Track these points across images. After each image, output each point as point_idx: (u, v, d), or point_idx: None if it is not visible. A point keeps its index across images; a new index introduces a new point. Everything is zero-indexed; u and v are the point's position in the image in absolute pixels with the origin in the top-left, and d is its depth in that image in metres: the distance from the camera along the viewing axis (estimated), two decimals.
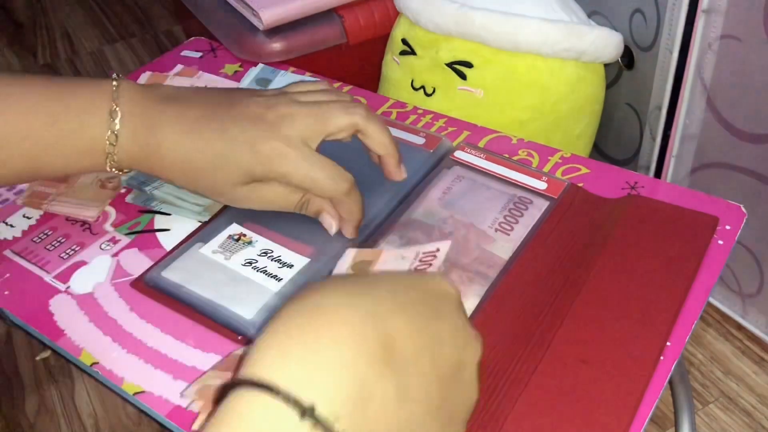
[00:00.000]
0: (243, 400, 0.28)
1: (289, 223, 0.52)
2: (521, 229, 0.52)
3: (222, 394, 0.29)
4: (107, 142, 0.48)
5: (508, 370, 0.42)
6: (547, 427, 0.39)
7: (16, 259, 0.54)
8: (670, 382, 0.69)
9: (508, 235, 0.51)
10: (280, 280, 0.48)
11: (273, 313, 0.45)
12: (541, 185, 0.55)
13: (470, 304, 0.47)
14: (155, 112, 0.49)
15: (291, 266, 0.49)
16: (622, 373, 0.41)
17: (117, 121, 0.48)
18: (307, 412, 0.27)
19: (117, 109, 0.48)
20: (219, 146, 0.48)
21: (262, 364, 0.29)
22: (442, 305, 0.34)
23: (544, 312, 0.45)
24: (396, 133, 0.61)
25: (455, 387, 0.33)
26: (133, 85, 0.50)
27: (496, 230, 0.52)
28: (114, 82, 0.49)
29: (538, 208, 0.53)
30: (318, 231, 0.52)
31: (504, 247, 0.51)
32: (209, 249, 0.51)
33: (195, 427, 0.42)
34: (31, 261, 0.54)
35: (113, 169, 0.50)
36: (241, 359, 0.31)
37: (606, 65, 0.77)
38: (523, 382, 0.41)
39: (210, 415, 0.29)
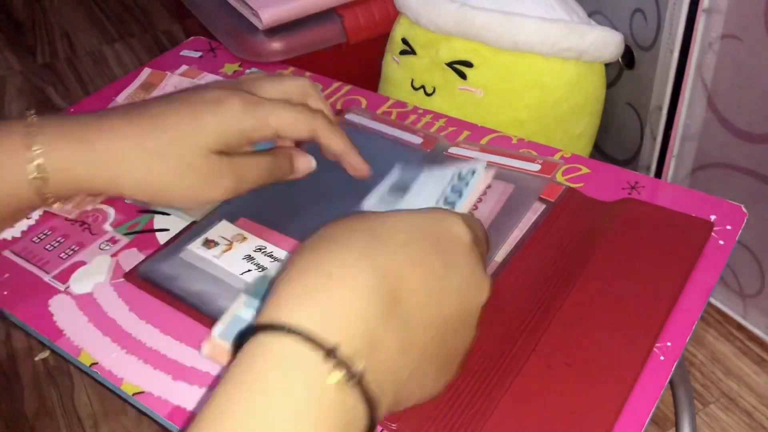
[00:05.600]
0: (267, 344, 0.29)
1: (281, 220, 0.52)
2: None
3: (241, 339, 0.30)
4: (33, 176, 0.43)
5: (493, 372, 0.42)
6: (529, 429, 0.39)
7: (16, 259, 0.54)
8: (671, 383, 0.69)
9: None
10: (266, 270, 0.49)
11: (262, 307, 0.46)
12: (534, 167, 0.56)
13: None
14: (86, 129, 0.43)
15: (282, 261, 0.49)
16: (607, 377, 0.41)
17: (37, 151, 0.42)
18: (330, 352, 0.28)
19: (35, 139, 0.42)
20: (183, 111, 0.44)
21: (282, 309, 0.30)
22: (453, 255, 0.35)
23: (532, 314, 0.45)
24: (394, 132, 0.61)
25: (455, 333, 0.35)
26: (48, 118, 0.44)
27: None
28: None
29: (495, 191, 0.53)
30: (310, 225, 0.52)
31: None
32: (200, 244, 0.51)
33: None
34: (30, 261, 0.53)
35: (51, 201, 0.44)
36: None
37: (606, 65, 0.76)
38: (507, 383, 0.41)
39: (230, 361, 0.30)
